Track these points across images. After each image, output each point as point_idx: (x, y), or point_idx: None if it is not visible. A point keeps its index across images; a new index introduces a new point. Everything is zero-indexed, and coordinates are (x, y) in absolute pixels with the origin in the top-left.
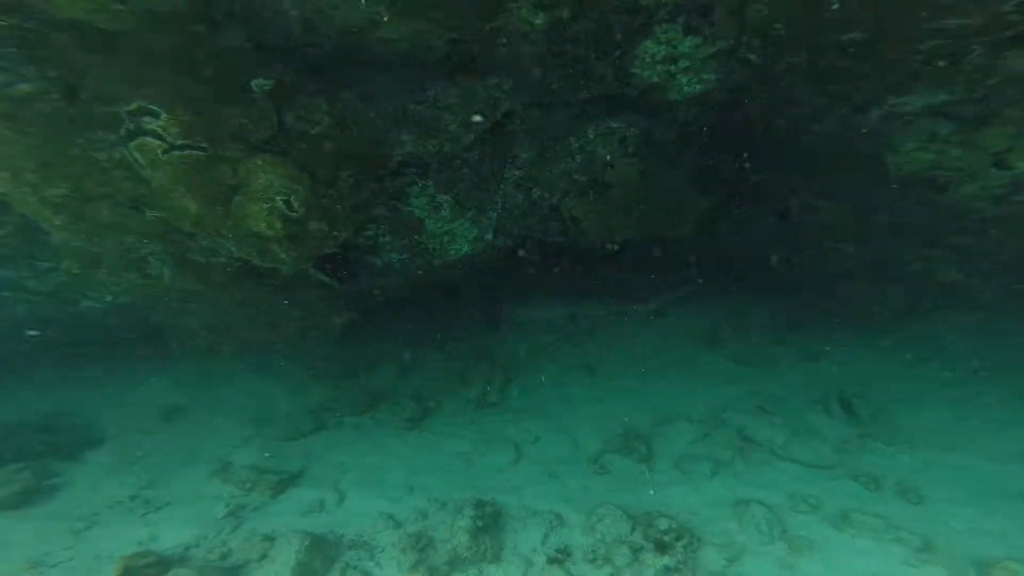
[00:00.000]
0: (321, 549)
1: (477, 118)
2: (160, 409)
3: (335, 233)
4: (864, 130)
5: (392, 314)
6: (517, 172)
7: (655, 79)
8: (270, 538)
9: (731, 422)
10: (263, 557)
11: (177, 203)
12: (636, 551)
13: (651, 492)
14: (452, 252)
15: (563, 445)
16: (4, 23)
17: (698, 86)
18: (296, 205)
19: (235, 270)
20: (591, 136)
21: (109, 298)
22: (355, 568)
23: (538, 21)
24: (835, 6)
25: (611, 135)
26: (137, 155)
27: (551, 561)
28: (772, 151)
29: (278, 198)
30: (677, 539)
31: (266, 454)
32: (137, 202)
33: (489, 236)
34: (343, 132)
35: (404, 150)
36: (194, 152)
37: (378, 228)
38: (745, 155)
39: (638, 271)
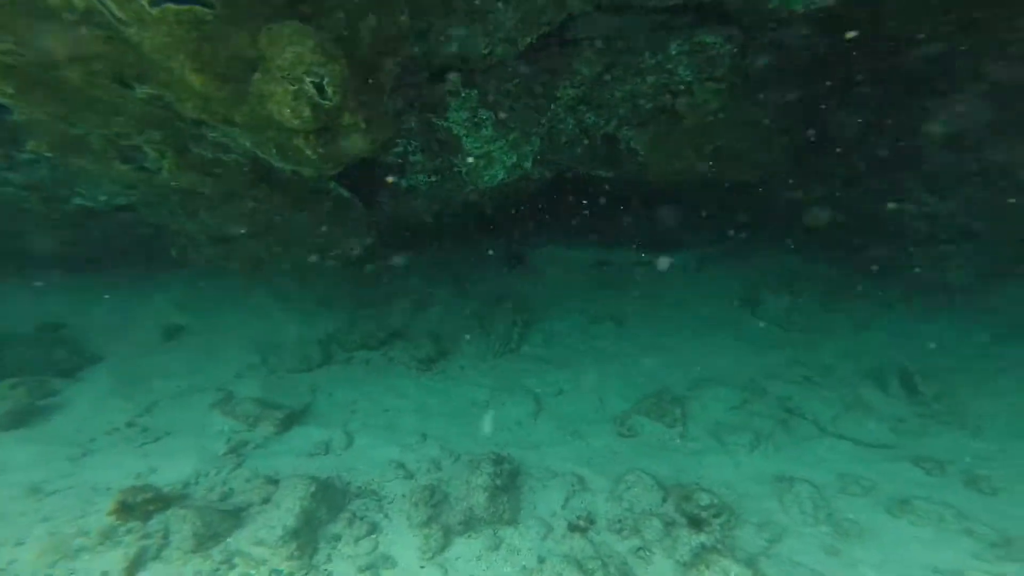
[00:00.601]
0: (327, 496)
1: (541, 17)
2: (162, 328)
3: (373, 135)
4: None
5: (411, 244)
6: (572, 91)
7: None
8: (273, 480)
9: (773, 391)
10: (265, 501)
11: (176, 77)
12: (668, 525)
13: (683, 460)
14: (487, 179)
15: (587, 401)
16: None
17: None
18: (331, 91)
19: (248, 171)
20: (672, 52)
21: (103, 198)
22: (362, 519)
23: None
24: None
25: (699, 52)
26: (112, 6)
27: (572, 528)
28: (876, 88)
29: (308, 79)
30: (715, 515)
31: (271, 386)
32: (122, 73)
33: (528, 165)
34: (389, 5)
35: (451, 49)
36: (199, 8)
37: (408, 144)
38: (843, 91)
39: (679, 217)
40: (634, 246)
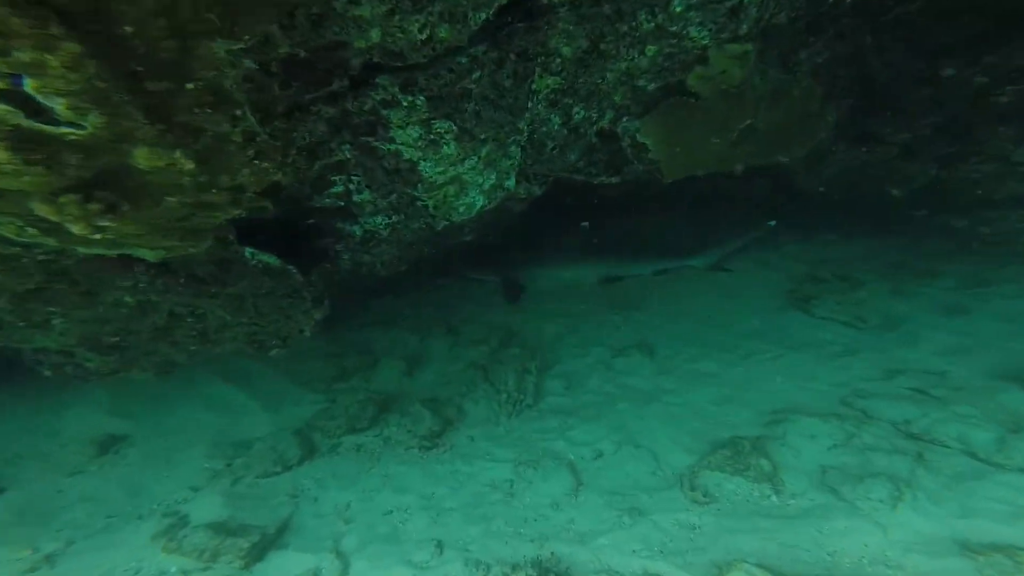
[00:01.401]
0: None
1: None
2: (93, 441)
3: (235, 179)
4: None
5: (389, 292)
6: (551, 80)
7: None
8: None
9: (881, 414)
10: None
11: None
12: None
13: (793, 528)
14: (462, 209)
15: (637, 461)
16: None
17: None
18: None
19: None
20: (677, 8)
21: None
22: None
23: None
24: None
25: (715, 4)
26: None
27: None
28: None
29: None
30: None
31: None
32: None
33: (510, 183)
34: None
35: (367, 38)
36: None
37: (349, 180)
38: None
39: (693, 211)
40: (643, 254)
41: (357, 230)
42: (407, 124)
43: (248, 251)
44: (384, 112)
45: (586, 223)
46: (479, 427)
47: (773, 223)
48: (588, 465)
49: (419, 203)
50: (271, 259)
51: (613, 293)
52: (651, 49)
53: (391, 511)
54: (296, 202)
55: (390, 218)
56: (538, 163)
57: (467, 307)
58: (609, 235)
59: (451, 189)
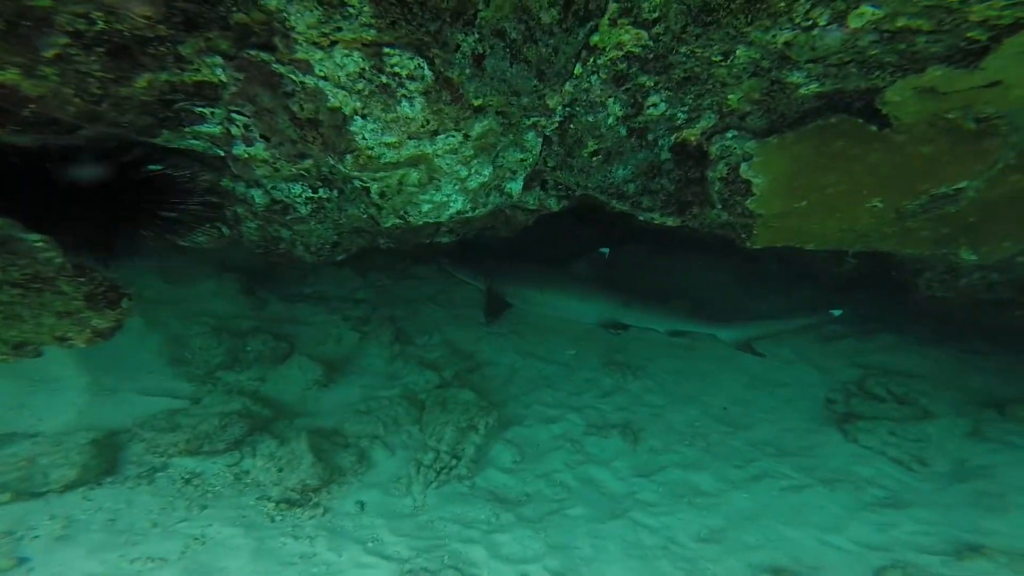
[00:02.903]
0: None
1: None
2: None
3: None
4: None
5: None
6: (631, 35)
7: None
8: None
9: None
10: None
11: None
12: None
13: None
14: (425, 208)
15: None
16: None
17: None
18: None
19: None
20: None
21: None
22: None
23: None
24: None
25: None
26: None
27: None
28: None
29: None
30: None
31: None
32: None
33: (514, 187)
34: None
35: None
36: None
37: (229, 119)
38: None
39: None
40: (661, 307)
41: (258, 194)
42: (330, 44)
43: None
44: (285, 10)
45: (607, 249)
46: (379, 491)
47: (840, 312)
48: None
49: (352, 183)
50: (37, 236)
51: (613, 344)
52: (866, 12)
53: None
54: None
55: (314, 192)
56: (565, 169)
57: (431, 312)
58: (627, 267)
59: (412, 175)
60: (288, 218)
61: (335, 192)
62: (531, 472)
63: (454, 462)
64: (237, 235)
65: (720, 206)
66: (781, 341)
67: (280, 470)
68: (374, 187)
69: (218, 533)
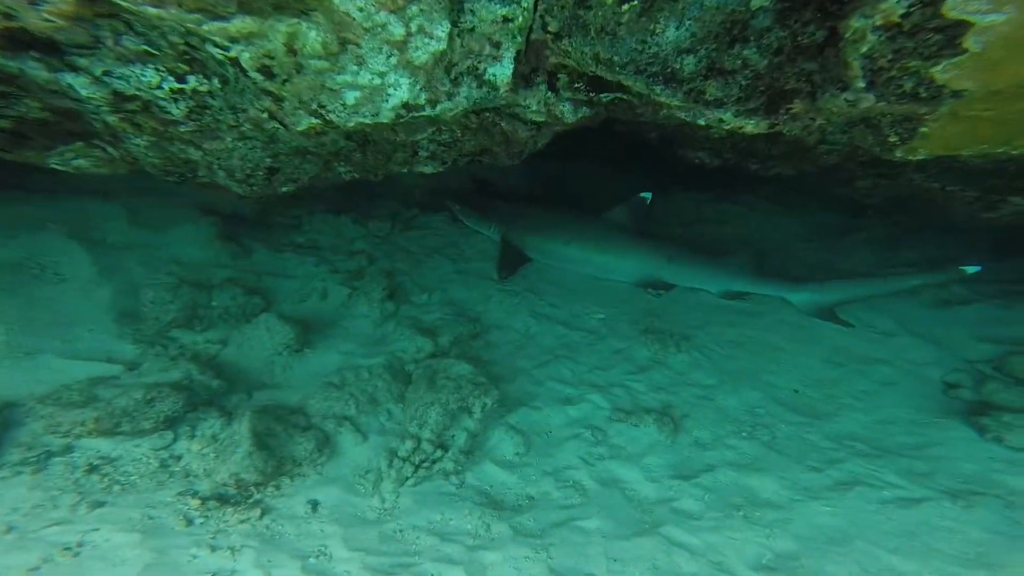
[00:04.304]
0: None
1: None
2: None
3: None
4: None
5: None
6: None
7: None
8: None
9: None
10: None
11: None
12: None
13: None
14: (351, 101)
15: None
16: None
17: None
18: None
19: None
20: None
21: None
22: None
23: None
24: None
25: None
26: None
27: None
28: None
29: None
30: None
31: None
32: None
33: (503, 72)
34: None
35: None
36: None
37: None
38: None
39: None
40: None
41: (81, 84)
42: None
43: None
44: None
45: (649, 194)
46: (340, 487)
47: (976, 269)
48: None
49: (217, 53)
50: None
51: (652, 307)
52: None
53: None
54: None
55: (181, 82)
56: (578, 33)
57: (435, 265)
58: (675, 214)
59: (309, 35)
60: (182, 129)
61: (216, 81)
62: (537, 468)
63: (439, 453)
64: (129, 157)
65: (865, 83)
66: (879, 306)
67: (216, 456)
68: (245, 56)
69: (104, 541)
